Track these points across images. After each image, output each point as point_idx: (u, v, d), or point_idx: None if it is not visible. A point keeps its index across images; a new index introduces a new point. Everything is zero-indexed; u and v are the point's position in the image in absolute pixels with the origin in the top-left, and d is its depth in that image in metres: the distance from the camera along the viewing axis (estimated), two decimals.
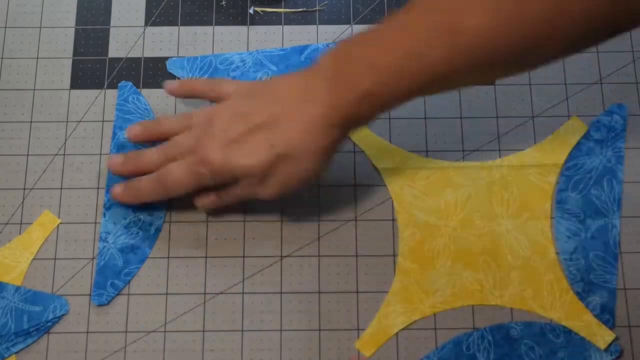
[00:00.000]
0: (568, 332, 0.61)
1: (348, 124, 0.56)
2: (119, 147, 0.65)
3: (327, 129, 0.55)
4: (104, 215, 0.63)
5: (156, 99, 0.67)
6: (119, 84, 0.67)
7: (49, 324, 0.61)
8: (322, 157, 0.56)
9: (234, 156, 0.56)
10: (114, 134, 0.66)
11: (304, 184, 0.58)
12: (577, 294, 0.62)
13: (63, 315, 0.61)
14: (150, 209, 0.63)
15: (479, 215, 0.64)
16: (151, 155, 0.60)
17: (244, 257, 0.63)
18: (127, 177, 0.62)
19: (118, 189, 0.62)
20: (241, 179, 0.58)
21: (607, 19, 0.50)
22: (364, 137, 0.66)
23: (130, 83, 0.67)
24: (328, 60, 0.56)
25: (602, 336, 0.60)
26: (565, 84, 0.68)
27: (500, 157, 0.65)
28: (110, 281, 0.62)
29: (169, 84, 0.64)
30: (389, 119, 0.67)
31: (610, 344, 0.60)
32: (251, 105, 0.58)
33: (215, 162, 0.56)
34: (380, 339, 0.60)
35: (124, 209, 0.63)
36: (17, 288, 0.61)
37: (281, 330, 0.61)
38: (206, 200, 0.61)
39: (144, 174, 0.60)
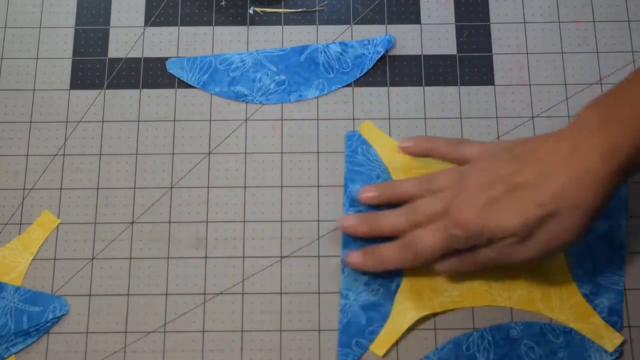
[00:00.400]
0: (568, 332, 0.61)
1: (624, 173, 0.53)
2: (352, 202, 0.63)
3: (600, 182, 0.52)
4: (343, 270, 0.62)
5: (156, 99, 0.67)
6: (347, 134, 0.65)
7: (49, 324, 0.61)
8: (593, 214, 0.53)
9: (495, 217, 0.54)
10: (346, 186, 0.64)
11: (567, 246, 0.55)
12: (585, 296, 0.61)
13: (63, 315, 0.61)
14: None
15: None
16: (394, 219, 0.58)
17: (244, 257, 0.63)
18: (361, 239, 0.61)
19: (357, 257, 0.60)
20: (498, 242, 0.55)
21: None
22: (375, 137, 0.66)
23: (358, 133, 0.65)
24: (590, 113, 0.54)
25: (610, 339, 0.60)
26: (565, 84, 0.68)
27: None
28: (355, 340, 0.60)
29: (404, 141, 0.63)
30: (389, 119, 0.67)
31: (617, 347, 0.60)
32: (508, 165, 0.55)
33: (473, 224, 0.54)
34: (392, 338, 0.60)
35: None
36: (17, 288, 0.61)
37: (281, 330, 0.61)
38: (447, 266, 0.58)
39: (381, 237, 0.59)
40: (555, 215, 0.53)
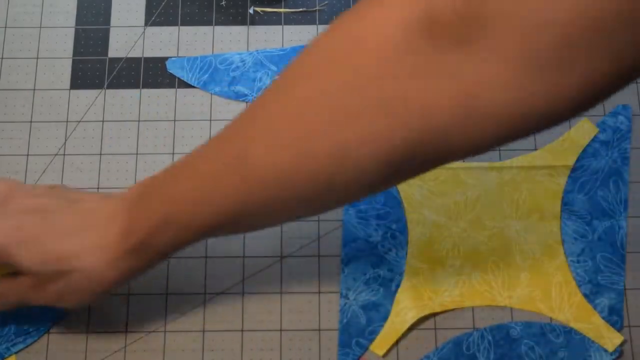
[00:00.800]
0: (568, 332, 0.61)
1: (144, 252, 0.52)
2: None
3: (121, 253, 0.51)
4: (343, 270, 0.62)
5: (156, 98, 0.67)
6: None
7: (49, 323, 0.61)
8: (108, 281, 0.52)
9: (16, 250, 0.52)
10: None
11: (80, 302, 0.54)
12: (585, 296, 0.61)
13: (64, 315, 0.61)
14: (389, 264, 0.62)
15: (488, 216, 0.64)
16: None
17: (244, 257, 0.63)
18: (360, 238, 0.62)
19: None
20: (19, 275, 0.53)
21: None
22: None
23: None
24: (135, 189, 0.53)
25: (610, 338, 0.60)
26: None
27: (500, 157, 0.65)
28: (355, 339, 0.60)
29: None
30: None
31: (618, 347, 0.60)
32: (55, 203, 0.54)
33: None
34: (392, 337, 0.60)
35: (363, 264, 0.62)
36: None
37: (281, 330, 0.61)
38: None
39: None
40: (73, 272, 0.52)
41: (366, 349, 0.60)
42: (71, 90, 0.68)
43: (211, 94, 0.68)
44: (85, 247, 0.52)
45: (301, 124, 0.46)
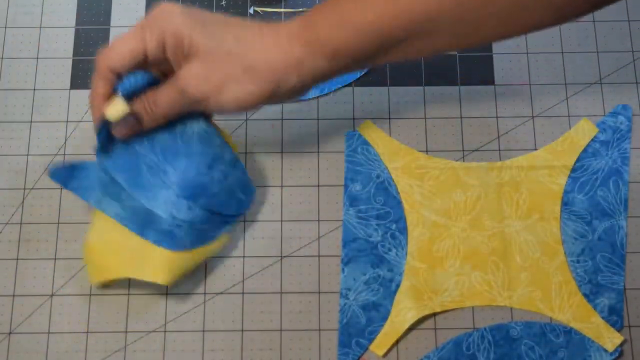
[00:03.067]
0: (568, 331, 0.61)
1: (306, 69, 0.53)
2: (352, 202, 0.63)
3: (289, 58, 0.53)
4: (343, 270, 0.62)
5: None
6: (347, 134, 0.66)
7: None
8: (271, 80, 0.53)
9: (199, 31, 0.53)
10: (346, 186, 0.64)
11: (258, 101, 0.54)
12: (585, 295, 0.61)
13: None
14: (388, 264, 0.62)
15: (488, 216, 0.64)
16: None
17: (244, 257, 0.63)
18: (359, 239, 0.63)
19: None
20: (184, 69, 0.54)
21: None
22: (375, 137, 0.66)
23: (358, 133, 0.65)
24: (300, 19, 0.54)
25: (610, 338, 0.60)
26: (565, 84, 0.68)
27: (500, 157, 0.66)
28: (355, 339, 0.60)
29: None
30: (389, 119, 0.67)
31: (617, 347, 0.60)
32: (217, 16, 0.56)
33: (180, 26, 0.53)
34: (392, 337, 0.60)
35: (362, 264, 0.62)
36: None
37: (281, 330, 0.61)
38: (122, 128, 0.56)
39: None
40: (241, 56, 0.53)
41: (366, 348, 0.60)
42: (71, 90, 0.68)
43: None
44: (262, 62, 0.53)
45: None
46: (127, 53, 0.54)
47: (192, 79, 0.53)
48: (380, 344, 0.60)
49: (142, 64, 0.54)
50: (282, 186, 0.65)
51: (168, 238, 0.58)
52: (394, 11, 0.52)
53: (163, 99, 0.55)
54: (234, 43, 0.53)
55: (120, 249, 0.59)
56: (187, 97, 0.54)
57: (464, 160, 0.65)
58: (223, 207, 0.60)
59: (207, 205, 0.59)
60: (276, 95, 0.54)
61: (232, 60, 0.53)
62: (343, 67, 0.54)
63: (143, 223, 0.58)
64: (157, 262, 0.58)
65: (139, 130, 0.56)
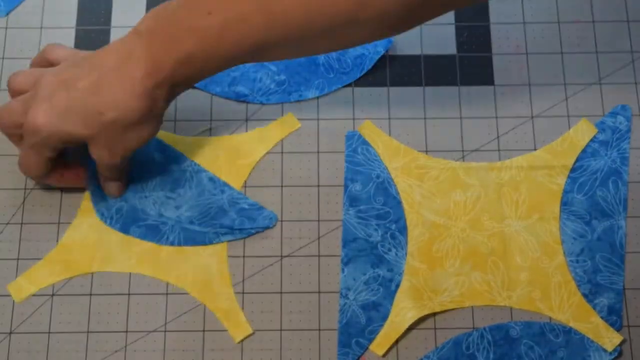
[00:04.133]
0: (568, 331, 0.61)
1: (169, 85, 0.56)
2: (352, 202, 0.64)
3: (149, 90, 0.55)
4: (343, 270, 0.62)
5: None
6: (347, 134, 0.66)
7: (252, 231, 0.63)
8: (148, 119, 0.57)
9: (64, 125, 0.56)
10: (346, 186, 0.64)
11: (135, 146, 0.58)
12: (585, 295, 0.62)
13: (269, 226, 0.63)
14: (388, 264, 0.62)
15: (488, 216, 0.64)
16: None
17: (244, 257, 0.63)
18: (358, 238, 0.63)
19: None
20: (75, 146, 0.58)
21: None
22: (375, 137, 0.66)
23: (358, 133, 0.65)
24: (149, 23, 0.56)
25: (609, 338, 0.60)
26: (565, 84, 0.68)
27: (500, 157, 0.66)
28: (355, 339, 0.60)
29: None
30: (389, 119, 0.67)
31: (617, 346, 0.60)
32: (76, 71, 0.57)
33: (44, 130, 0.56)
34: (392, 337, 0.60)
35: (362, 264, 0.62)
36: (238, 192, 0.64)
37: (281, 330, 0.61)
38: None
39: None
40: (116, 122, 0.56)
41: (366, 348, 0.60)
42: None
43: (211, 94, 0.68)
44: (117, 94, 0.55)
45: None
46: (41, 170, 0.60)
47: (35, 115, 0.57)
48: (380, 344, 0.60)
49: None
50: (282, 186, 0.65)
51: (153, 232, 0.61)
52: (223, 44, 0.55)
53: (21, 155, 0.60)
54: (96, 117, 0.56)
55: (96, 246, 0.62)
56: (35, 134, 0.57)
57: (463, 160, 0.65)
58: (220, 219, 0.63)
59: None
60: (156, 108, 0.57)
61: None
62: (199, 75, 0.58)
63: (127, 221, 0.62)
64: (139, 255, 0.62)
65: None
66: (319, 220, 0.64)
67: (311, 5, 0.53)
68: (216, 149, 0.65)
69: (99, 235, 0.63)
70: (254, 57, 0.57)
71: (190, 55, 0.55)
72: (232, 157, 0.65)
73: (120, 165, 0.60)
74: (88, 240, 0.63)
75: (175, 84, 0.57)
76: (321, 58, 0.68)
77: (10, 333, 0.61)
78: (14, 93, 0.60)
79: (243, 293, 0.62)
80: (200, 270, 0.62)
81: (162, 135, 0.65)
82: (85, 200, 0.64)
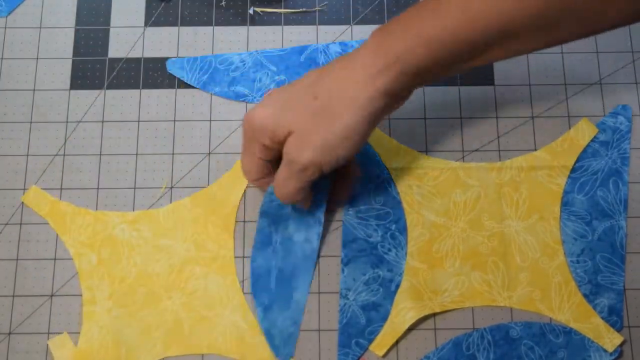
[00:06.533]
0: (568, 332, 0.61)
1: (391, 90, 0.54)
2: (352, 200, 0.64)
3: (367, 92, 0.54)
4: (343, 271, 0.62)
5: (156, 99, 0.67)
6: None
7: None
8: (363, 116, 0.54)
9: (283, 115, 0.55)
10: None
11: (344, 150, 0.55)
12: (585, 296, 0.62)
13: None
14: (388, 265, 0.62)
15: (488, 216, 0.64)
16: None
17: (243, 257, 0.63)
18: (359, 238, 0.63)
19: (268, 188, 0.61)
20: (282, 141, 0.56)
21: None
22: (375, 137, 0.66)
23: None
24: (371, 39, 0.55)
25: (610, 339, 0.60)
26: (565, 84, 0.68)
27: (500, 157, 0.66)
28: (354, 340, 0.60)
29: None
30: (389, 119, 0.67)
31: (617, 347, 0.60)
32: (296, 81, 0.57)
33: (265, 121, 0.55)
34: (392, 338, 0.60)
35: (362, 264, 0.62)
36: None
37: None
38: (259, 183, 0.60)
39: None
40: (328, 109, 0.54)
41: (366, 349, 0.60)
42: (71, 91, 0.68)
43: (211, 94, 0.68)
44: (338, 82, 0.54)
45: None
46: (253, 172, 0.59)
47: (292, 149, 0.55)
48: (380, 344, 0.60)
49: (268, 166, 0.59)
50: None
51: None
52: (469, 21, 0.52)
53: (279, 177, 0.57)
54: (313, 102, 0.55)
55: (118, 345, 0.60)
56: (296, 166, 0.56)
57: (463, 161, 0.65)
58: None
59: None
60: (377, 120, 0.56)
61: (318, 119, 0.55)
62: (424, 81, 0.55)
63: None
64: (162, 339, 0.61)
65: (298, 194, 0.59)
66: None
67: None
68: (196, 207, 0.64)
69: (113, 335, 0.60)
70: (500, 43, 0.53)
71: (428, 39, 0.52)
72: (213, 210, 0.64)
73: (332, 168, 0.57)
74: (106, 342, 0.60)
75: (407, 69, 0.53)
76: (321, 58, 0.68)
77: (10, 333, 0.61)
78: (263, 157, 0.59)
79: (243, 293, 0.62)
80: (230, 330, 0.61)
81: None
82: (86, 306, 0.61)
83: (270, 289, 0.61)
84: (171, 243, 0.63)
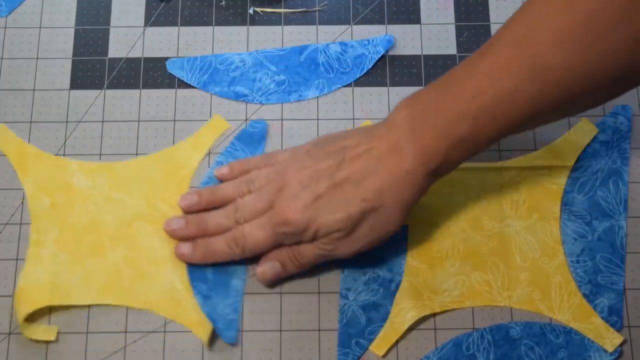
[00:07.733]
0: (568, 332, 0.61)
1: (436, 173, 0.56)
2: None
3: (416, 182, 0.55)
4: (343, 270, 0.62)
5: (156, 99, 0.67)
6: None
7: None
8: (409, 208, 0.56)
9: (321, 213, 0.56)
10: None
11: (387, 236, 0.57)
12: (585, 296, 0.61)
13: None
14: (388, 265, 0.62)
15: (488, 216, 0.64)
16: (218, 219, 0.60)
17: None
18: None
19: (186, 248, 0.60)
20: (322, 237, 0.57)
21: None
22: None
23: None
24: (401, 115, 0.55)
25: (610, 339, 0.60)
26: None
27: (500, 157, 0.66)
28: (354, 340, 0.60)
29: (218, 170, 0.63)
30: None
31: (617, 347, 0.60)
32: (326, 162, 0.57)
33: (300, 221, 0.56)
34: (392, 338, 0.60)
35: (362, 264, 0.62)
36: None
37: (281, 330, 0.61)
38: (269, 271, 0.60)
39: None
40: (376, 210, 0.55)
41: (366, 349, 0.60)
42: (71, 90, 0.68)
43: (211, 94, 0.68)
44: (384, 182, 0.55)
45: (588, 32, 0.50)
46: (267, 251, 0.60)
47: (340, 247, 0.57)
48: (380, 344, 0.60)
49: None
50: None
51: None
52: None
53: (308, 253, 0.58)
54: (362, 204, 0.56)
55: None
56: (329, 257, 0.59)
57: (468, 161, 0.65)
58: None
59: None
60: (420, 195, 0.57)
61: (368, 223, 0.56)
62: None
63: None
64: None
65: (282, 276, 0.61)
66: None
67: (587, 63, 0.50)
68: (154, 165, 0.64)
69: (53, 277, 0.61)
70: (520, 129, 0.55)
71: (462, 140, 0.54)
72: (170, 170, 0.64)
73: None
74: (43, 282, 0.61)
75: (441, 170, 0.56)
76: (321, 58, 0.68)
77: (10, 333, 0.61)
78: (223, 201, 0.61)
79: (243, 293, 0.62)
80: (167, 289, 0.61)
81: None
82: (32, 247, 0.62)
83: (208, 279, 0.61)
84: (124, 197, 0.63)
